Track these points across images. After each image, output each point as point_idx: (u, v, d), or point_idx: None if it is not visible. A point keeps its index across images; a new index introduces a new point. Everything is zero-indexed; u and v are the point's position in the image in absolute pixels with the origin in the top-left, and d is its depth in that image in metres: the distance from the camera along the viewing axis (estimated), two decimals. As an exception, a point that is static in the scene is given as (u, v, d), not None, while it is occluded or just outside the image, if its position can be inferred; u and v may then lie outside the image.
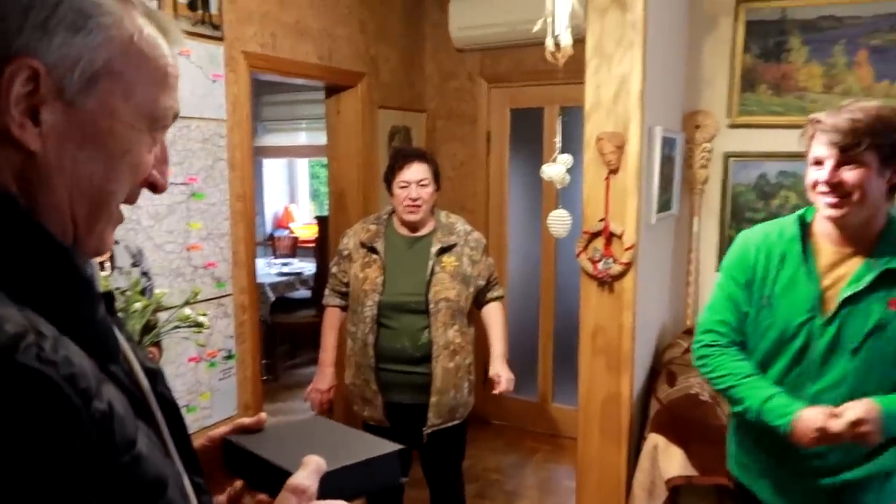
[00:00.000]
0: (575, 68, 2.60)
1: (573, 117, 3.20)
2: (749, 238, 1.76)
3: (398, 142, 4.05)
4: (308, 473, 0.73)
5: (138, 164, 0.66)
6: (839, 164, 1.51)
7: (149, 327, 1.68)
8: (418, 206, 2.47)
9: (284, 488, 0.71)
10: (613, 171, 2.67)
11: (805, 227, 1.66)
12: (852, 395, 1.57)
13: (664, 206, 3.10)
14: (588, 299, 2.80)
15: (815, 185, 1.56)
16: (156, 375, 0.70)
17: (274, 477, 0.76)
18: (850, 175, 1.51)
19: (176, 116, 0.69)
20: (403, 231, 2.55)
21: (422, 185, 2.47)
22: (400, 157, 2.55)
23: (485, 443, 4.10)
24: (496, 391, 2.48)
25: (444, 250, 2.48)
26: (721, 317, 1.77)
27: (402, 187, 2.49)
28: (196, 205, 2.79)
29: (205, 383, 2.87)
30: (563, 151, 2.41)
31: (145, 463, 0.57)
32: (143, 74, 0.64)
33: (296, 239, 7.27)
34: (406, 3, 4.10)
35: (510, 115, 4.20)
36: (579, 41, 2.47)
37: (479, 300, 2.61)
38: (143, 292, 1.94)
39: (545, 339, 4.29)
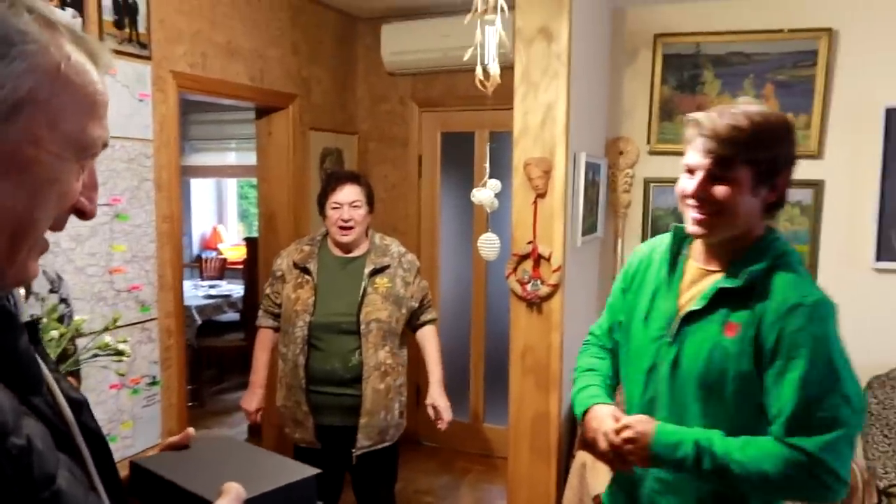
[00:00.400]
0: (505, 94, 2.68)
1: (503, 142, 3.29)
2: (638, 248, 1.70)
3: (330, 164, 4.05)
4: (227, 501, 0.72)
5: (65, 192, 0.64)
6: (710, 178, 1.35)
7: (66, 356, 1.63)
8: (350, 228, 2.49)
9: None
10: (541, 196, 2.76)
11: (681, 240, 1.52)
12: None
13: (590, 228, 3.22)
14: (517, 320, 2.87)
15: (683, 195, 1.42)
16: (80, 406, 0.69)
17: (188, 502, 0.74)
18: (720, 191, 1.35)
19: (105, 145, 0.67)
20: (337, 252, 2.56)
21: (354, 207, 2.49)
22: (333, 179, 2.56)
23: (417, 464, 4.09)
24: (439, 427, 2.55)
25: (377, 271, 2.50)
26: (598, 322, 1.75)
27: (335, 209, 2.50)
28: (120, 226, 2.72)
29: (127, 411, 2.78)
30: (493, 176, 2.48)
31: (65, 498, 0.56)
32: (71, 103, 0.63)
33: (224, 260, 7.12)
34: (338, 25, 4.12)
35: (441, 138, 4.26)
36: (508, 69, 2.55)
37: (413, 323, 2.63)
38: (60, 319, 1.87)
39: (476, 359, 4.34)
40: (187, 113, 6.69)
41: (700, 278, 1.45)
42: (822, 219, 3.33)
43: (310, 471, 0.86)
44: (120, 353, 1.75)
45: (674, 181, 3.70)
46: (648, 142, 3.60)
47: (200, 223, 7.61)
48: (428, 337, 2.65)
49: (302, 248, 2.60)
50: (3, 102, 0.58)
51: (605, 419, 1.48)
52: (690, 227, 1.42)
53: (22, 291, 2.12)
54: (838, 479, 1.29)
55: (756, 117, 1.34)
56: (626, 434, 1.42)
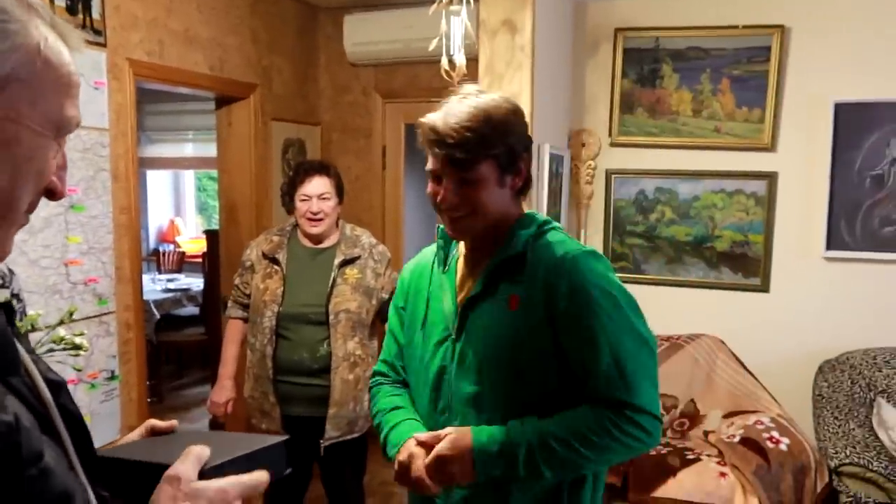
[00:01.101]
0: (457, 90, 2.68)
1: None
2: (408, 263, 1.60)
3: (292, 154, 4.01)
4: (185, 461, 0.70)
5: (43, 169, 0.65)
6: (456, 182, 1.31)
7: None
8: (320, 220, 2.47)
9: (162, 479, 0.69)
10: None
11: (448, 241, 1.46)
12: (504, 423, 1.30)
13: (553, 219, 3.26)
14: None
15: (434, 202, 1.36)
16: (59, 388, 0.68)
17: (151, 477, 0.71)
18: (467, 194, 1.31)
19: (78, 124, 0.69)
20: (307, 243, 2.54)
21: (323, 199, 2.47)
22: (301, 171, 2.54)
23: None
24: None
25: (346, 262, 2.49)
26: (384, 355, 1.59)
27: (303, 200, 2.48)
28: (75, 217, 2.65)
29: (84, 406, 2.71)
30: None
31: (52, 476, 0.57)
32: (49, 82, 0.64)
33: (182, 254, 6.99)
34: (299, 14, 4.07)
35: (405, 129, 4.25)
36: (472, 60, 2.56)
37: (383, 314, 2.63)
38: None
39: (440, 350, 4.35)
40: (143, 103, 6.53)
41: (472, 267, 1.41)
42: (776, 209, 3.43)
43: (279, 438, 0.85)
44: (77, 346, 1.71)
45: (635, 172, 3.78)
46: (610, 134, 3.65)
47: (157, 216, 7.45)
48: None
49: (271, 238, 2.58)
50: None
51: (416, 457, 1.32)
52: (450, 233, 1.39)
53: None
54: (654, 418, 1.27)
55: (481, 112, 1.28)
56: (435, 452, 1.29)
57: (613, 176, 3.69)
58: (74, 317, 2.04)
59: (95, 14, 2.70)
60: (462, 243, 1.45)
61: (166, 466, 0.70)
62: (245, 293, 2.59)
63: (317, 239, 2.53)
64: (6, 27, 0.60)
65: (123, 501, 0.77)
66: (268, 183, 3.79)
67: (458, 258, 1.46)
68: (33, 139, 0.63)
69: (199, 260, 6.39)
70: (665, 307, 3.45)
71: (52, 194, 0.69)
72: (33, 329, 1.56)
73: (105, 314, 2.80)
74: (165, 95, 5.92)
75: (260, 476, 0.75)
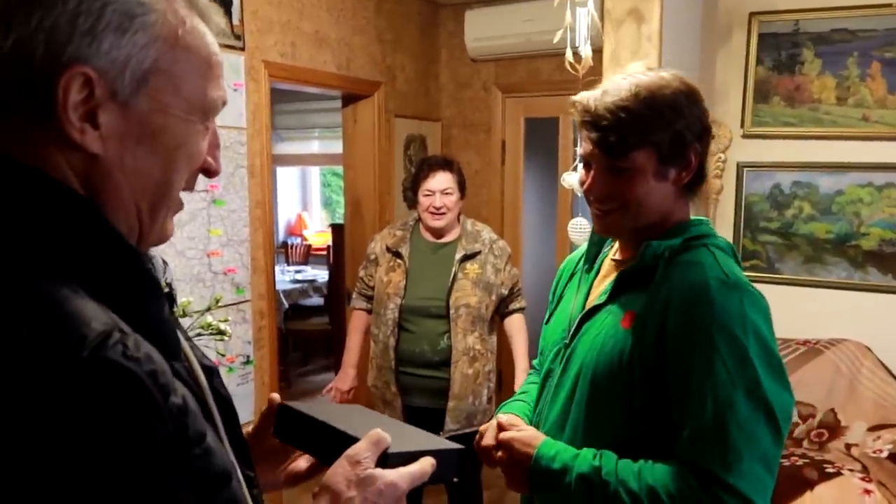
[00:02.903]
0: (591, 78, 2.63)
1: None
2: (567, 258, 1.49)
3: (414, 150, 4.09)
4: (368, 446, 0.74)
5: (194, 153, 0.68)
6: (605, 169, 1.16)
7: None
8: (442, 214, 2.52)
9: (343, 456, 0.73)
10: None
11: (601, 238, 1.33)
12: (583, 447, 1.16)
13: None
14: (603, 307, 2.82)
15: (582, 187, 1.24)
16: (212, 372, 0.73)
17: (335, 443, 0.76)
18: (617, 185, 1.15)
19: (224, 103, 0.70)
20: (429, 237, 2.60)
21: (446, 194, 2.52)
22: (425, 167, 2.60)
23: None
24: None
25: (467, 257, 2.52)
26: (539, 346, 1.48)
27: (426, 195, 2.53)
28: (216, 211, 2.83)
29: (223, 388, 2.90)
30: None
31: (213, 456, 0.60)
32: (191, 67, 0.65)
33: (308, 247, 7.32)
34: (422, 12, 4.14)
35: (525, 124, 4.23)
36: (596, 51, 2.50)
37: (501, 310, 2.64)
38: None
39: (558, 347, 4.30)
40: (273, 103, 6.89)
41: (612, 272, 1.25)
42: (933, 205, 3.11)
43: (455, 446, 0.86)
44: (221, 332, 1.83)
45: (769, 166, 3.56)
46: (742, 125, 3.45)
47: (286, 210, 7.84)
48: (516, 326, 2.65)
49: (395, 232, 2.65)
50: (132, 75, 0.61)
51: (490, 430, 1.26)
52: (595, 227, 1.24)
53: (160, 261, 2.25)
54: None
55: (643, 91, 1.11)
56: (500, 437, 1.21)
57: (745, 169, 3.49)
58: (216, 308, 2.19)
59: (235, 20, 2.88)
60: (616, 244, 1.30)
61: (353, 439, 0.75)
62: (369, 285, 2.68)
63: (438, 233, 2.57)
64: (145, 20, 0.61)
65: (304, 453, 0.85)
66: (390, 178, 3.89)
67: (605, 257, 1.31)
68: (181, 126, 0.65)
69: (324, 252, 6.67)
70: (801, 309, 3.23)
71: (209, 173, 0.71)
72: (184, 315, 1.69)
73: (242, 302, 2.98)
74: (293, 95, 6.22)
75: (423, 468, 0.78)
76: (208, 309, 1.78)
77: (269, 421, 0.91)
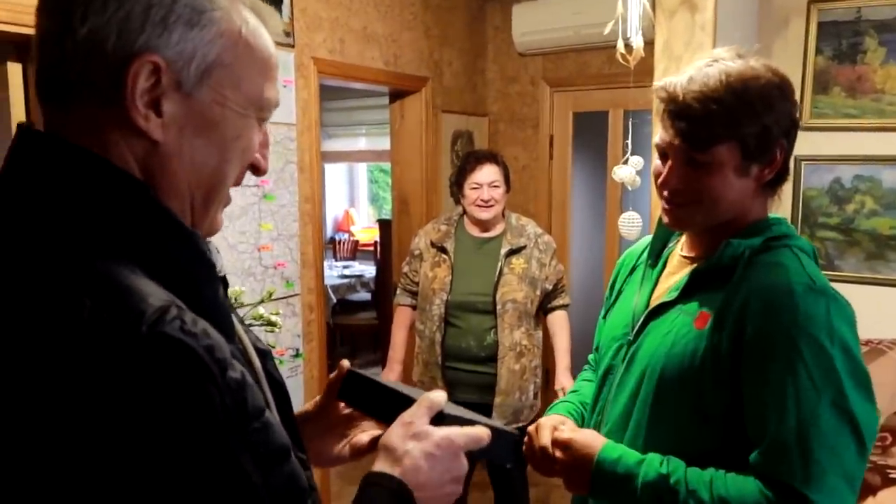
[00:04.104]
0: (641, 70, 2.57)
1: (641, 120, 3.17)
2: (627, 251, 1.42)
3: (461, 146, 4.08)
4: (420, 408, 0.78)
5: (248, 147, 0.70)
6: (684, 161, 1.09)
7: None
8: (490, 206, 2.51)
9: (397, 419, 0.77)
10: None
11: (667, 231, 1.25)
12: (644, 450, 1.11)
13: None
14: (654, 304, 2.76)
15: (655, 179, 1.16)
16: (265, 355, 0.74)
17: (397, 405, 0.80)
18: (695, 178, 1.09)
19: (277, 104, 0.72)
20: (474, 232, 2.59)
21: (493, 187, 2.51)
22: (472, 159, 2.59)
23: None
24: None
25: (513, 252, 2.50)
26: (595, 341, 1.44)
27: (474, 188, 2.52)
28: (267, 206, 2.88)
29: (273, 380, 2.95)
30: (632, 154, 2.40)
31: (273, 430, 0.61)
32: (251, 64, 0.68)
33: (356, 242, 7.39)
34: (469, 7, 4.13)
35: (573, 118, 4.18)
36: (648, 43, 2.45)
37: (544, 306, 2.61)
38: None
39: (606, 344, 4.24)
40: (320, 100, 6.97)
41: (681, 268, 1.20)
42: None
43: (513, 431, 0.89)
44: (272, 324, 1.86)
45: (830, 159, 3.45)
46: (800, 117, 3.34)
47: (333, 206, 7.93)
48: (559, 322, 2.63)
49: (439, 227, 2.65)
50: (197, 67, 0.64)
51: (543, 427, 1.22)
52: (665, 220, 1.18)
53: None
54: None
55: (735, 80, 1.04)
56: (556, 437, 1.16)
57: (803, 163, 3.37)
58: (268, 303, 2.23)
59: (285, 17, 2.91)
60: (683, 239, 1.24)
61: (411, 400, 0.79)
62: (413, 281, 2.68)
63: (484, 227, 2.56)
64: (213, 15, 0.64)
65: (367, 416, 0.91)
66: (438, 174, 3.89)
67: (672, 251, 1.25)
68: (238, 120, 0.67)
69: (371, 248, 6.73)
70: (863, 308, 3.06)
71: (257, 170, 0.73)
72: (236, 304, 1.73)
73: (291, 296, 3.02)
74: (340, 93, 6.27)
75: (479, 434, 0.80)
76: (261, 301, 1.81)
77: (336, 386, 0.93)
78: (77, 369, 0.53)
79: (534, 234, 2.57)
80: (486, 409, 2.47)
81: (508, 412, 2.48)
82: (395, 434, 0.76)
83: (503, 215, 2.61)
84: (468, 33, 4.13)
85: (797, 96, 3.52)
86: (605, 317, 1.36)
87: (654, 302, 1.19)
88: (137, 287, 0.57)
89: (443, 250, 2.58)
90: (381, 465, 0.75)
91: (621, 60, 2.09)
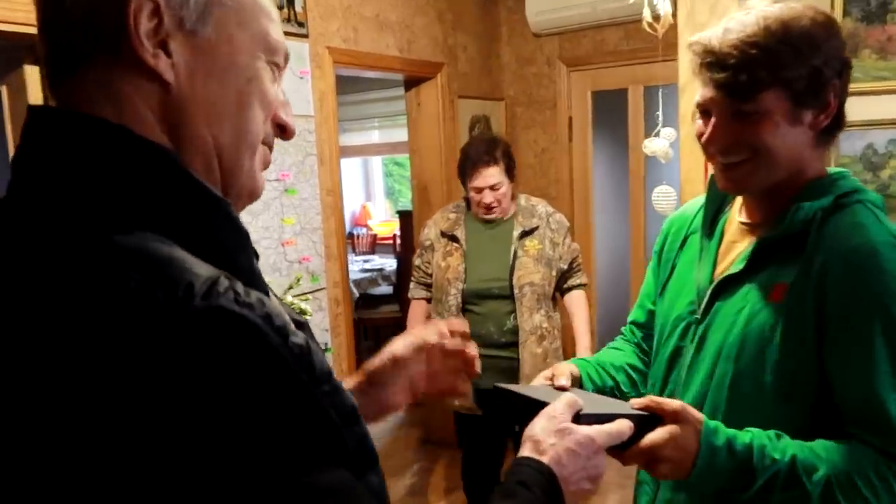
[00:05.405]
0: (661, 45, 2.50)
1: (655, 97, 3.09)
2: (671, 216, 1.33)
3: (479, 131, 4.02)
4: (563, 406, 0.83)
5: (265, 91, 0.67)
6: (730, 115, 1.02)
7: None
8: (493, 209, 2.44)
9: (541, 414, 0.82)
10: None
11: (719, 196, 1.17)
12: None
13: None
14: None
15: (702, 144, 1.09)
16: (303, 327, 0.70)
17: (536, 411, 0.86)
18: (745, 132, 1.02)
19: (287, 57, 0.70)
20: (484, 216, 2.53)
21: (495, 189, 2.43)
22: (469, 164, 2.47)
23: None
24: None
25: (525, 234, 2.44)
26: (633, 317, 1.38)
27: (475, 193, 2.46)
28: (289, 200, 2.84)
29: (303, 376, 2.92)
30: (651, 135, 2.32)
31: (343, 393, 0.58)
32: (249, 5, 0.66)
33: (374, 236, 7.36)
34: (481, -9, 4.06)
35: (592, 97, 4.10)
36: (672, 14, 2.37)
37: (561, 286, 2.55)
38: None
39: (636, 326, 4.18)
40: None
41: (742, 237, 1.12)
42: None
43: (644, 412, 0.93)
44: (303, 311, 1.82)
45: (862, 124, 3.35)
46: (830, 81, 3.24)
47: (350, 201, 7.91)
48: (577, 303, 2.55)
49: (448, 216, 2.59)
50: (196, 4, 0.62)
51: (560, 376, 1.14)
52: (721, 184, 1.10)
53: None
54: None
55: (774, 23, 0.97)
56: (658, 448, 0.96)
57: (834, 130, 3.28)
58: (294, 292, 2.18)
59: (298, 7, 2.86)
60: (737, 202, 1.16)
61: (545, 404, 0.85)
62: (427, 273, 2.61)
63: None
64: None
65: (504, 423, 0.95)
66: (457, 161, 3.83)
67: (726, 218, 1.17)
68: (250, 60, 0.65)
69: (390, 241, 6.70)
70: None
71: (284, 130, 0.71)
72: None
73: (317, 290, 2.98)
74: (351, 86, 6.24)
75: (621, 428, 0.84)
76: (290, 287, 1.77)
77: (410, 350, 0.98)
78: (136, 351, 0.49)
79: (545, 214, 2.50)
80: None
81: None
82: (539, 426, 0.81)
83: (513, 198, 2.54)
84: (481, 16, 4.06)
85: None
86: (661, 294, 1.26)
87: (719, 276, 1.11)
88: (179, 258, 0.54)
89: (454, 239, 2.51)
90: (527, 453, 0.79)
91: (649, 30, 2.03)
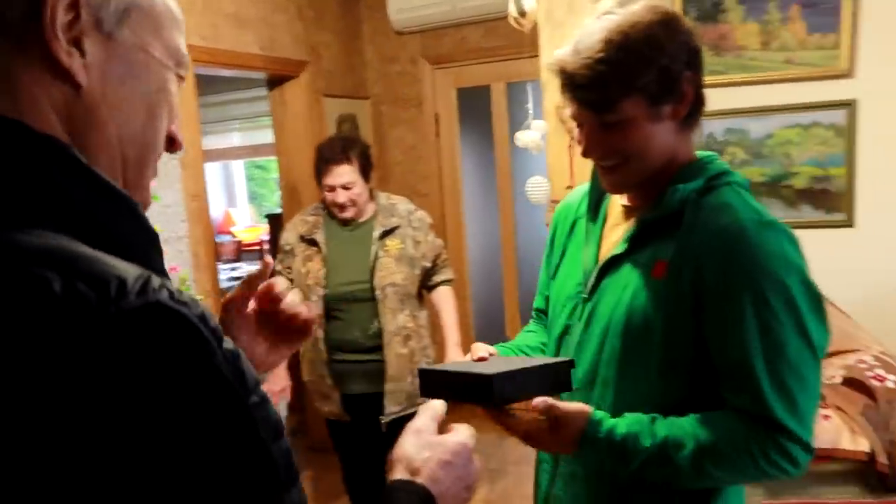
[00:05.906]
0: (521, 42, 2.58)
1: (519, 93, 3.21)
2: (560, 203, 1.38)
3: (347, 130, 3.97)
4: (425, 419, 0.81)
5: (171, 103, 0.66)
6: (595, 126, 1.09)
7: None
8: (346, 208, 2.41)
9: (406, 430, 0.79)
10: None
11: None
12: (613, 410, 1.10)
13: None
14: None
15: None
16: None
17: (473, 385, 0.91)
18: (612, 140, 1.08)
19: (188, 65, 0.69)
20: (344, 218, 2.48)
21: (347, 188, 2.38)
22: (322, 161, 2.42)
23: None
24: None
25: (386, 233, 2.42)
26: (536, 304, 1.43)
27: (328, 191, 2.41)
28: (152, 207, 2.65)
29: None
30: (516, 130, 2.39)
31: (269, 404, 0.56)
32: (164, 14, 0.64)
33: (239, 243, 7.07)
34: (341, -12, 4.01)
35: (457, 94, 4.17)
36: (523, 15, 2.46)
37: (426, 283, 2.54)
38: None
39: (512, 316, 4.31)
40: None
41: (624, 219, 1.19)
42: (856, 140, 3.25)
43: (566, 359, 1.03)
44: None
45: (702, 115, 3.61)
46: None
47: (212, 208, 7.54)
48: (444, 299, 2.54)
49: (306, 218, 2.52)
50: (117, 7, 0.59)
51: (478, 352, 1.19)
52: (603, 185, 1.18)
53: None
54: (806, 449, 1.02)
55: (615, 35, 1.03)
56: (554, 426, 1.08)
57: (679, 121, 3.55)
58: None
59: (149, 2, 2.69)
60: None
61: (475, 375, 0.90)
62: (288, 278, 2.52)
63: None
64: None
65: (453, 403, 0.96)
66: (326, 160, 3.77)
67: (609, 203, 1.24)
68: (161, 71, 0.64)
69: (257, 248, 6.47)
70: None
71: (173, 143, 0.68)
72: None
73: (187, 301, 2.82)
74: (210, 87, 5.94)
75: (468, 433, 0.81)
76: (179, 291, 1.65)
77: (254, 286, 0.95)
78: (68, 357, 0.44)
79: (405, 212, 2.48)
80: (378, 398, 2.39)
81: (402, 398, 2.41)
82: (408, 444, 0.77)
83: (372, 196, 2.50)
84: (342, 13, 4.01)
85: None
86: (554, 277, 1.32)
87: (605, 256, 1.17)
88: (97, 256, 0.50)
89: (313, 243, 2.44)
90: (399, 475, 0.74)
91: (515, 25, 2.09)
